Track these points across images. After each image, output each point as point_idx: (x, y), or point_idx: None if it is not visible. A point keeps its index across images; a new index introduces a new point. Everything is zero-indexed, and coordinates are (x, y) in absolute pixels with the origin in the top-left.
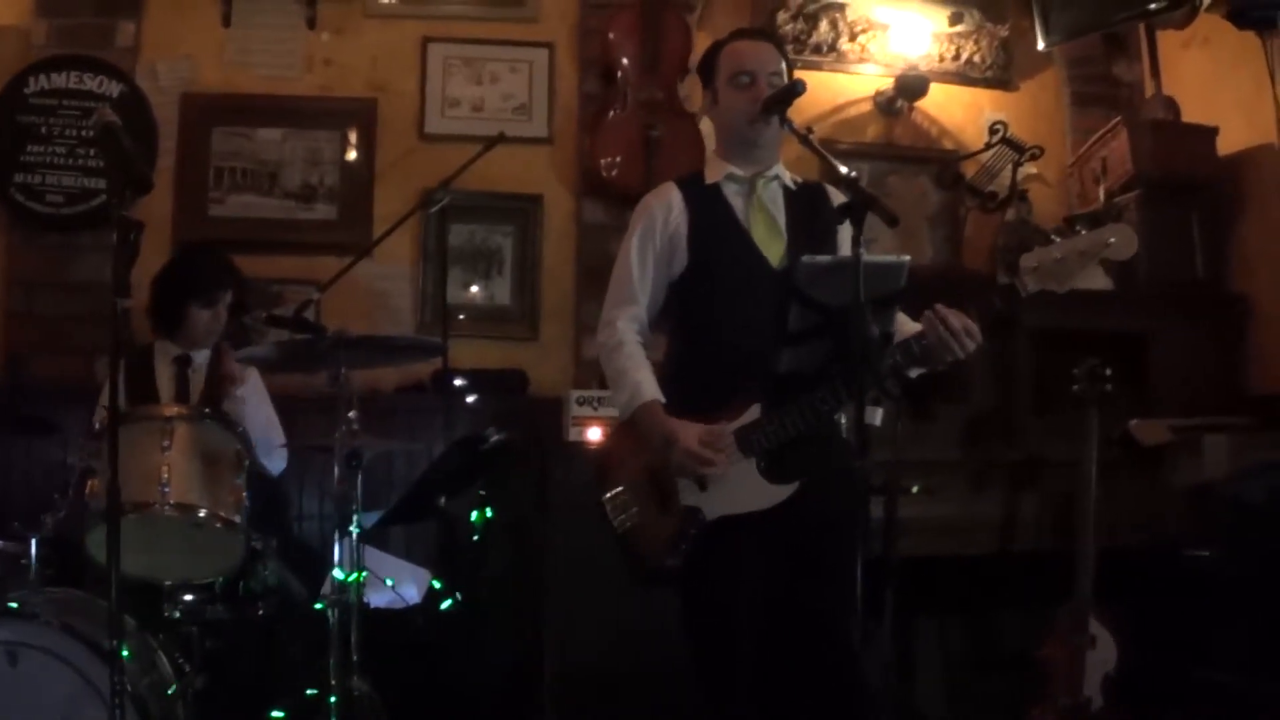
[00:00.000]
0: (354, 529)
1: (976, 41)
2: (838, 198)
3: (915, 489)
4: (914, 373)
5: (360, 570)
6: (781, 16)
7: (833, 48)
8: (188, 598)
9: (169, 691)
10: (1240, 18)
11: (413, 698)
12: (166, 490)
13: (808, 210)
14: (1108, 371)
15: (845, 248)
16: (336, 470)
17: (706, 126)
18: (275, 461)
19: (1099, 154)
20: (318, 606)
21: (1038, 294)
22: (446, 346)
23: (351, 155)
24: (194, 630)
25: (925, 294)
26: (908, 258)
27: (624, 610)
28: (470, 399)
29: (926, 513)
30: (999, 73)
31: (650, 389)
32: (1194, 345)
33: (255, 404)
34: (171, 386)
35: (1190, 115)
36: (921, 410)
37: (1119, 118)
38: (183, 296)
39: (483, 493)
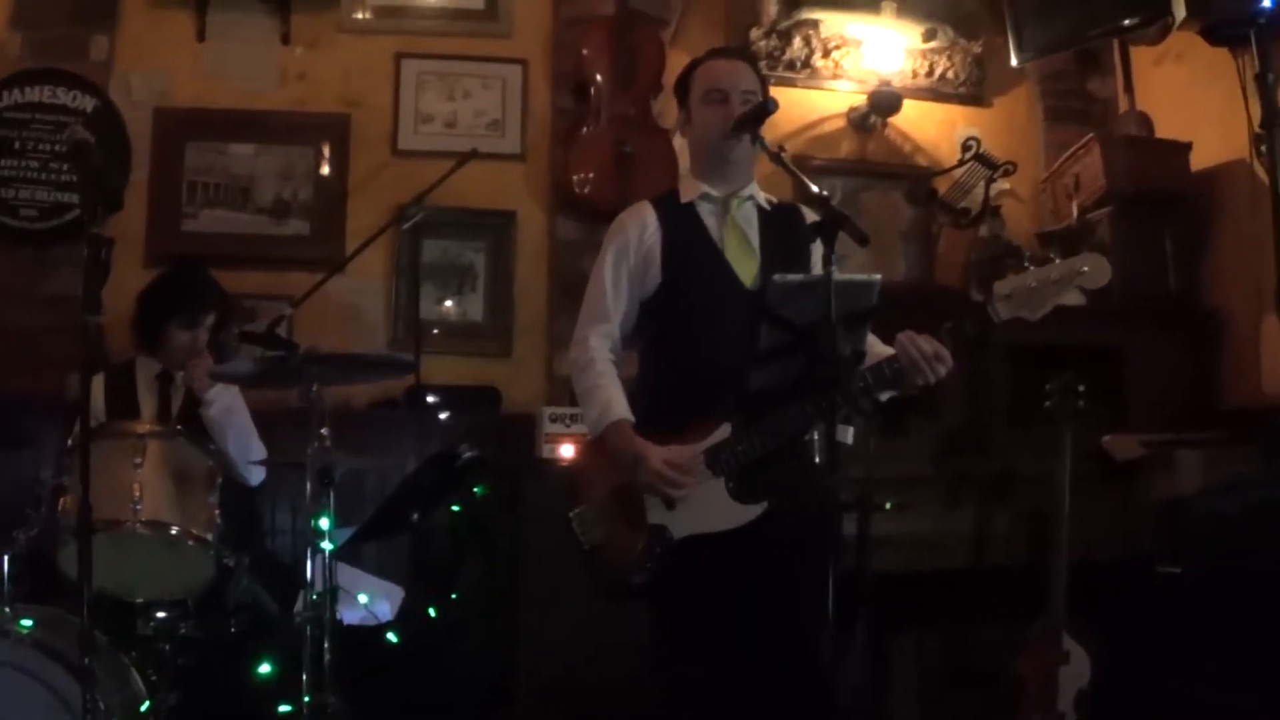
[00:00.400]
0: (326, 545)
1: (950, 58)
2: (812, 218)
3: (889, 505)
4: (885, 396)
5: (333, 587)
6: (755, 33)
7: (806, 64)
8: (160, 614)
9: (141, 708)
10: (1213, 34)
11: (386, 713)
12: (138, 507)
13: (782, 230)
14: (1081, 386)
15: (819, 268)
16: (309, 486)
17: (680, 143)
18: (254, 473)
19: (1072, 170)
20: (291, 623)
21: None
22: (419, 363)
23: (325, 170)
24: (166, 647)
25: (898, 310)
26: (878, 276)
27: (597, 625)
28: (443, 415)
29: (900, 528)
30: (972, 89)
31: (620, 408)
32: (1167, 360)
33: (237, 419)
34: (153, 404)
35: (1164, 131)
36: (894, 426)
37: (1092, 133)
38: (164, 317)
39: (455, 509)
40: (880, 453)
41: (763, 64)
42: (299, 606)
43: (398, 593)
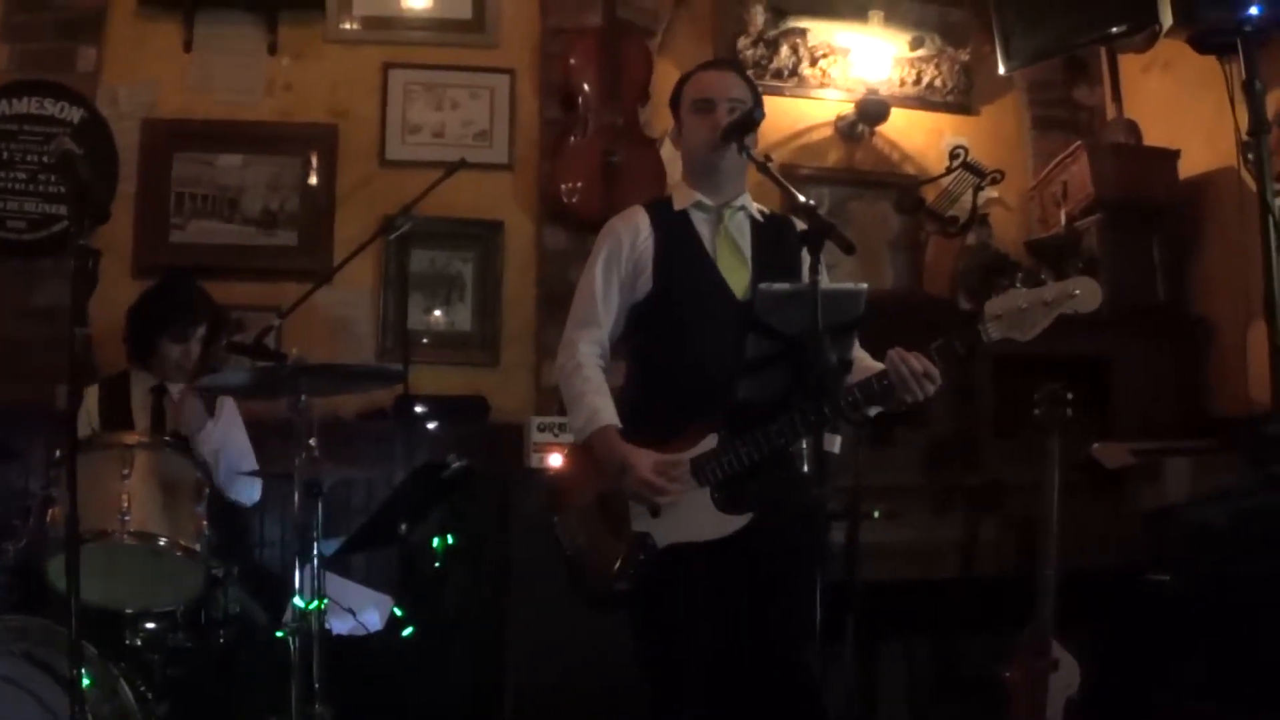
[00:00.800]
0: (315, 556)
1: (937, 66)
2: (802, 227)
3: (876, 514)
4: (872, 411)
5: (322, 597)
6: (742, 42)
7: (794, 73)
8: (149, 625)
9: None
10: (1201, 42)
11: None
12: (126, 518)
13: (773, 241)
14: (1069, 395)
15: (807, 278)
16: (297, 497)
17: (668, 152)
18: (246, 489)
19: (1060, 178)
20: (279, 634)
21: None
22: (407, 373)
23: (312, 181)
24: (155, 658)
25: (886, 319)
26: (865, 285)
27: (585, 634)
28: (431, 425)
29: (888, 538)
30: (960, 97)
31: (607, 414)
32: (1155, 369)
33: (231, 432)
34: (147, 415)
35: (1151, 139)
36: (882, 435)
37: (1080, 141)
38: (156, 330)
39: (444, 519)
40: (868, 462)
41: (750, 73)
42: (288, 617)
43: (387, 603)
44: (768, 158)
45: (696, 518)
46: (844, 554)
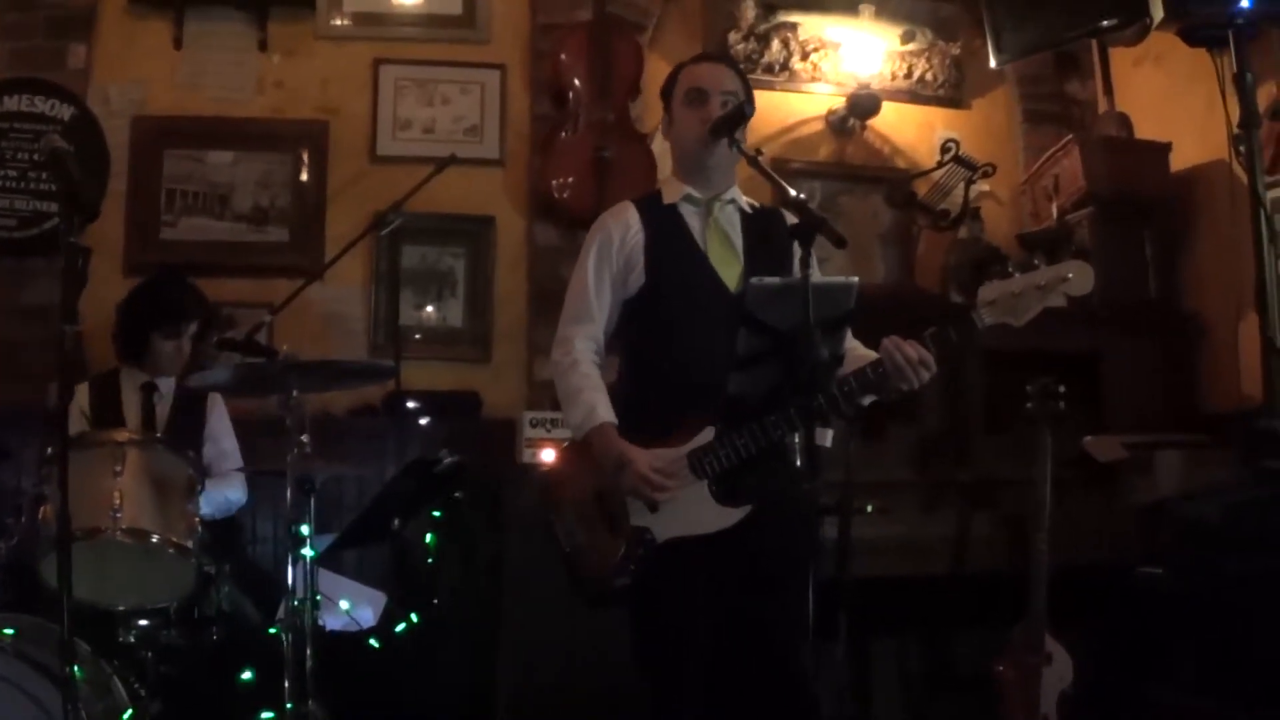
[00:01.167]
0: (307, 553)
1: (928, 60)
2: (793, 221)
3: (869, 508)
4: (867, 400)
5: (314, 594)
6: (733, 36)
7: (785, 67)
8: (142, 623)
9: (124, 717)
10: (1192, 35)
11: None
12: (118, 516)
13: (764, 234)
14: (1061, 389)
15: (798, 272)
16: (289, 494)
17: (659, 147)
18: (235, 490)
19: (1051, 171)
20: (272, 631)
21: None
22: (399, 369)
23: (303, 177)
24: (148, 655)
25: (878, 313)
26: (856, 279)
27: (579, 630)
28: (423, 421)
29: (880, 533)
30: (951, 91)
31: (604, 411)
32: (1146, 364)
33: (220, 432)
34: (138, 413)
35: (1143, 132)
36: (873, 431)
37: (1071, 135)
38: (146, 326)
39: (436, 515)
40: (859, 457)
41: (741, 67)
42: (280, 614)
43: (380, 598)
44: (759, 151)
45: (695, 511)
46: (836, 550)
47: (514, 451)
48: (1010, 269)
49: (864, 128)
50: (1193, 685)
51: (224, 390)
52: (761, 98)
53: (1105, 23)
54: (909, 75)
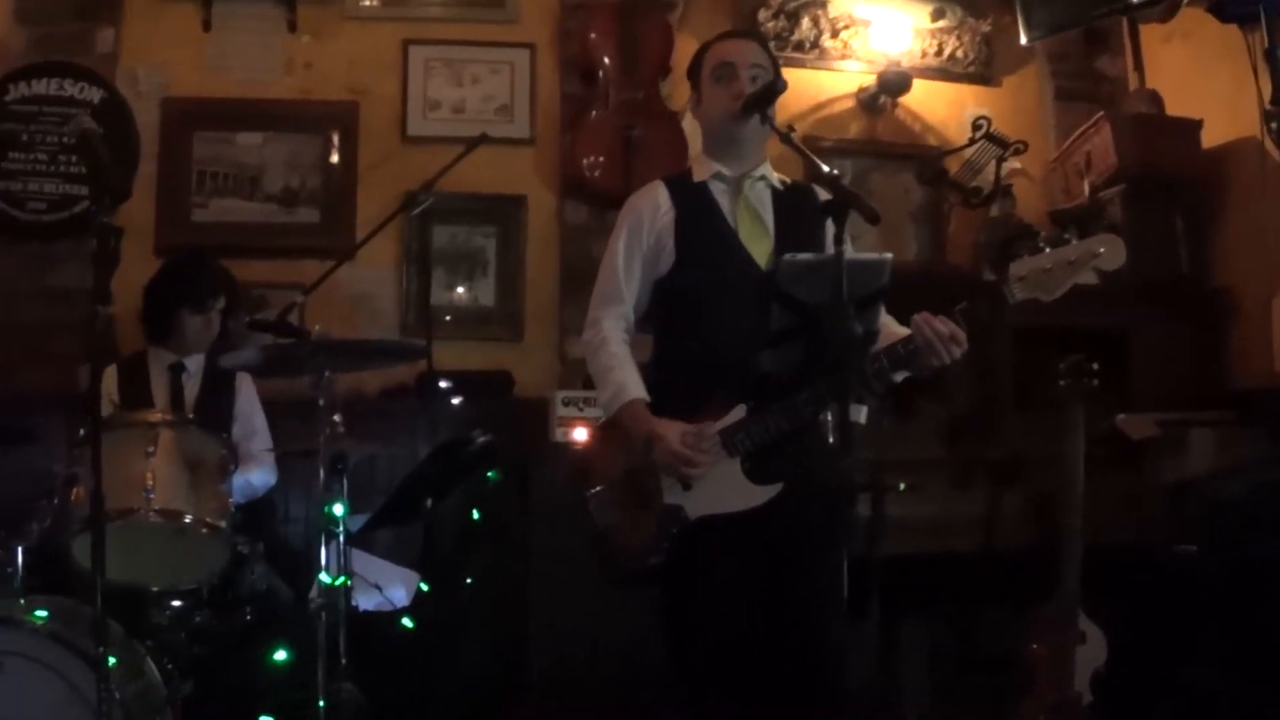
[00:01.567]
0: (340, 533)
1: (959, 37)
2: (824, 197)
3: (901, 486)
4: (899, 377)
5: (347, 574)
6: (763, 14)
7: (815, 45)
8: (174, 604)
9: (157, 698)
10: (1222, 11)
11: (398, 700)
12: (151, 496)
13: (795, 211)
14: (1094, 366)
15: (831, 247)
16: (322, 474)
17: (690, 126)
18: (264, 473)
19: (1082, 148)
20: (304, 611)
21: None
22: (430, 349)
23: (333, 158)
24: (181, 636)
25: (909, 291)
26: (890, 255)
27: (608, 611)
28: (455, 401)
29: (910, 512)
30: (981, 68)
31: (634, 388)
32: (1176, 341)
33: (250, 411)
34: (166, 393)
35: (1173, 109)
36: (904, 408)
37: (1102, 112)
38: (174, 303)
39: (468, 495)
40: (889, 435)
41: (771, 45)
42: (313, 594)
43: (413, 578)
44: (790, 128)
45: (727, 489)
46: (867, 528)
47: (546, 431)
48: (1041, 244)
49: (895, 105)
50: (1222, 664)
51: (256, 371)
52: (792, 76)
53: None
54: (939, 52)
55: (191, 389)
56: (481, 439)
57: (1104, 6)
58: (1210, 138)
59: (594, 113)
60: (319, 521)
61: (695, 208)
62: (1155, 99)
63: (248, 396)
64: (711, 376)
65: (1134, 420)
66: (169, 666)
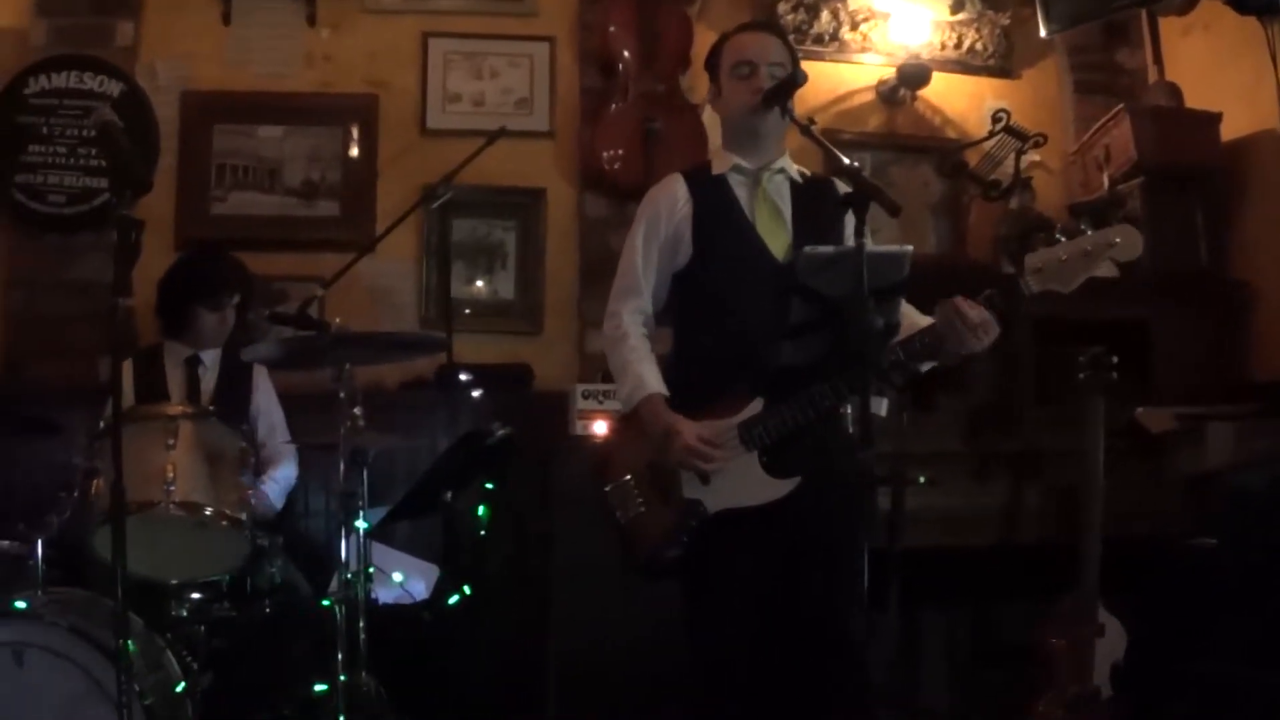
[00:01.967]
0: (360, 525)
1: (978, 30)
2: (844, 190)
3: (922, 480)
4: (925, 367)
5: (367, 566)
6: (782, 7)
7: (834, 38)
8: (194, 596)
9: (176, 690)
10: (1241, 3)
11: (418, 692)
12: (171, 489)
13: (814, 203)
14: (1114, 359)
15: (850, 240)
16: (341, 467)
17: (710, 119)
18: (290, 466)
19: (1102, 141)
20: (324, 603)
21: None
22: (450, 342)
23: (353, 151)
24: (201, 628)
25: (928, 284)
26: (910, 248)
27: (628, 603)
28: (475, 394)
29: (929, 504)
30: (1001, 61)
31: (653, 382)
32: (1195, 334)
33: (269, 406)
34: (182, 387)
35: (1192, 102)
36: (923, 401)
37: (1121, 105)
38: (189, 299)
39: (488, 487)
40: (910, 428)
41: (790, 38)
42: (333, 586)
43: (432, 571)
44: (811, 120)
45: (746, 483)
46: (887, 521)
47: (566, 424)
48: (1057, 236)
49: (914, 98)
50: (1242, 657)
51: (276, 364)
52: (811, 68)
53: None
54: (959, 45)
55: (208, 383)
56: (501, 432)
57: None
58: (1230, 130)
59: (613, 105)
60: (338, 514)
61: (713, 201)
62: (1174, 91)
63: (265, 391)
64: (730, 369)
65: (1153, 413)
66: (188, 659)
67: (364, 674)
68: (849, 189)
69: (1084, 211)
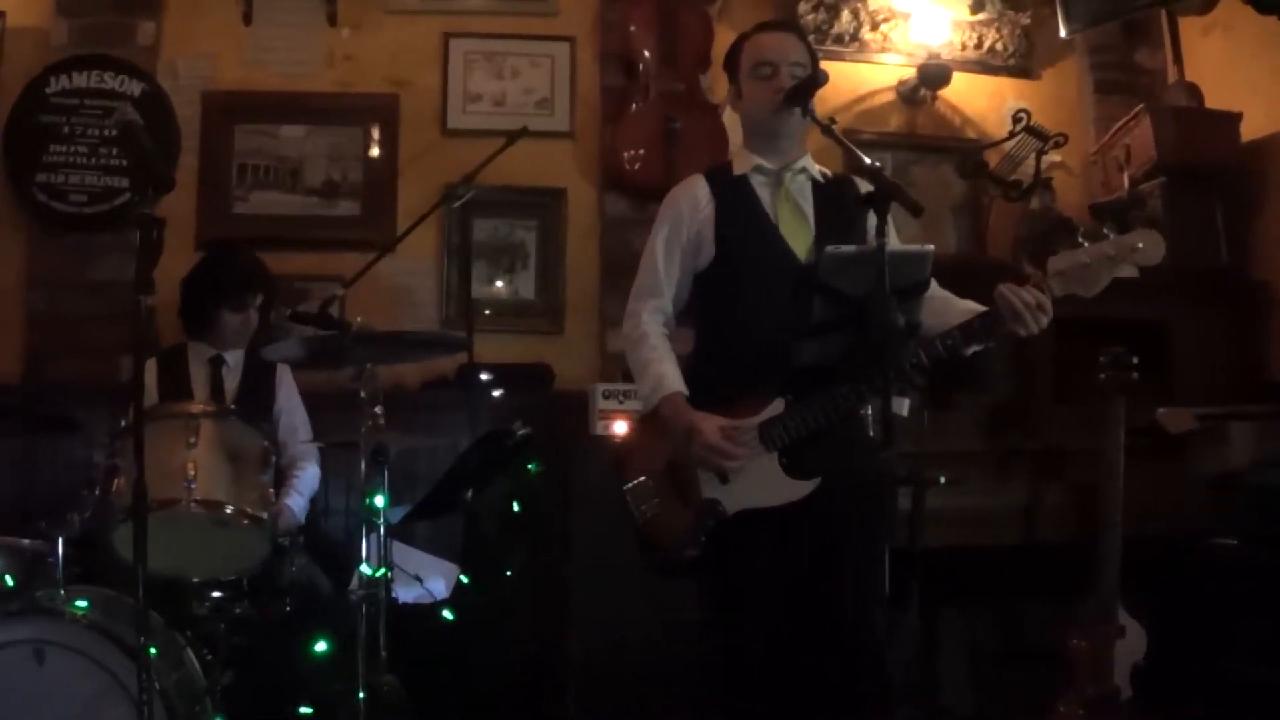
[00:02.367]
0: (381, 524)
1: (998, 30)
2: (865, 188)
3: (943, 480)
4: (970, 350)
5: (388, 565)
6: (803, 7)
7: (854, 38)
8: (215, 594)
9: (197, 688)
10: (1261, 2)
11: (439, 691)
12: (192, 487)
13: (835, 203)
14: (1134, 359)
15: (872, 239)
16: (362, 466)
17: (730, 119)
18: (313, 465)
19: (1122, 141)
20: (345, 602)
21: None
22: (471, 341)
23: (374, 151)
24: (221, 627)
25: (949, 284)
26: (931, 247)
27: (647, 602)
28: (495, 393)
29: (950, 504)
30: (1021, 61)
31: (673, 381)
32: (1216, 333)
33: (291, 406)
34: (206, 387)
35: (1212, 101)
36: (944, 401)
37: (1141, 105)
38: (212, 301)
39: (508, 487)
40: (930, 428)
41: (811, 38)
42: (354, 585)
43: (453, 570)
44: (832, 120)
45: (766, 483)
46: (908, 520)
47: (586, 424)
48: (1080, 239)
49: (934, 98)
50: (1263, 657)
51: (298, 363)
52: (831, 69)
53: None
54: (979, 45)
55: (231, 382)
56: (522, 431)
57: None
58: (1250, 130)
59: (634, 105)
60: (359, 513)
61: (735, 201)
62: (1194, 91)
63: (288, 391)
64: (752, 369)
65: (1173, 413)
66: (209, 657)
67: (384, 673)
68: (870, 188)
69: (1104, 212)
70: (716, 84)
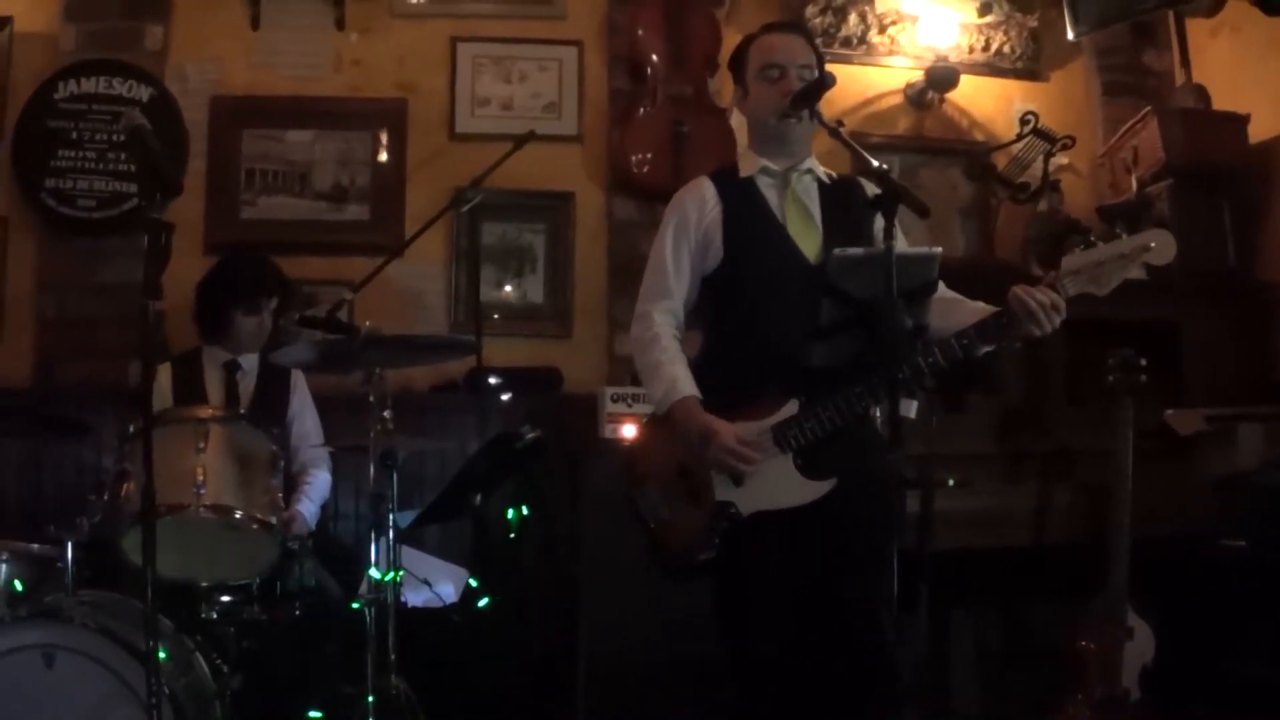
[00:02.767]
0: (390, 528)
1: (1006, 32)
2: (872, 190)
3: (952, 482)
4: (983, 350)
5: (397, 569)
6: (810, 10)
7: (862, 40)
8: (224, 599)
9: (206, 693)
10: (1269, 4)
11: (448, 695)
12: (202, 492)
13: (842, 204)
14: (1143, 361)
15: (879, 241)
16: (372, 470)
17: (737, 121)
18: (324, 470)
19: (1130, 143)
20: (354, 606)
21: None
22: (480, 345)
23: (382, 155)
24: (231, 631)
25: (958, 286)
26: (939, 249)
27: (657, 605)
28: (504, 397)
29: (960, 505)
30: (1029, 63)
31: (687, 385)
32: (1224, 333)
33: (304, 410)
34: (220, 391)
35: (1220, 103)
36: (954, 403)
37: (1149, 107)
38: (227, 304)
39: (517, 490)
40: (940, 429)
41: (818, 40)
42: (363, 589)
43: (462, 574)
44: (840, 123)
45: (780, 485)
46: (917, 522)
47: (595, 426)
48: (1093, 239)
49: (942, 101)
50: (1272, 659)
51: (308, 367)
52: (839, 71)
53: None
54: (986, 48)
55: (247, 386)
56: (530, 434)
57: (1151, 0)
58: (1257, 131)
59: (642, 109)
60: (368, 517)
61: (742, 202)
62: (1202, 93)
63: (301, 396)
64: (762, 371)
65: (1182, 415)
66: (218, 661)
67: (393, 676)
68: (877, 190)
69: (1112, 214)
70: (724, 87)
